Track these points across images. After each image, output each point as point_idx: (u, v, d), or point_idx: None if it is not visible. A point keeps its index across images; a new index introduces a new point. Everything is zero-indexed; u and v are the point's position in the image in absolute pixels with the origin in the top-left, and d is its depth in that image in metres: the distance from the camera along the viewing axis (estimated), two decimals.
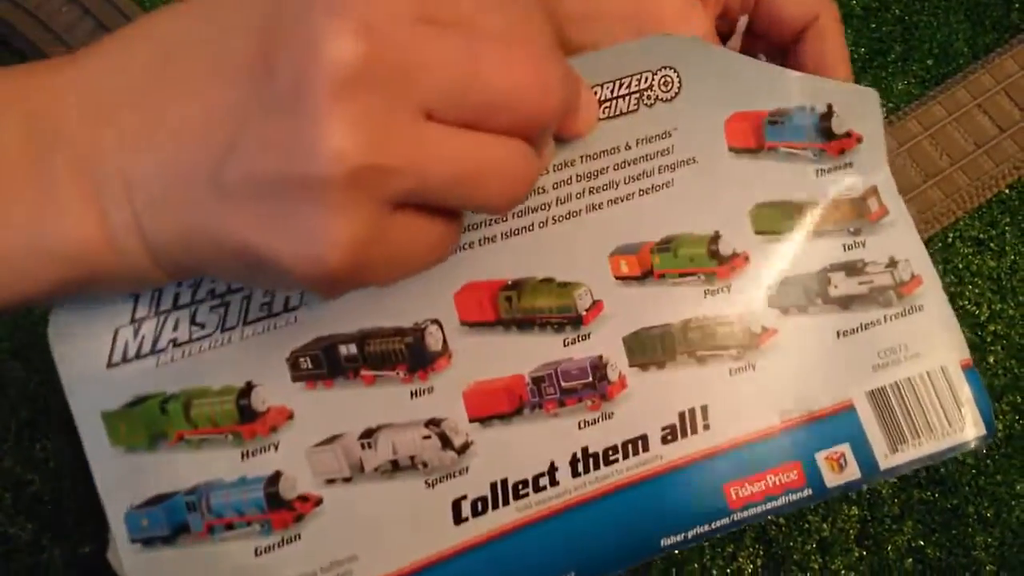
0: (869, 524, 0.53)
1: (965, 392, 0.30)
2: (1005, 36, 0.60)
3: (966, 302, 0.56)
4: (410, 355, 0.28)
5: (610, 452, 0.29)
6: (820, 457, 0.29)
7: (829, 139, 0.30)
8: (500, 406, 0.28)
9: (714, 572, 0.53)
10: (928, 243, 0.57)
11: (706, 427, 0.29)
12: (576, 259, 0.29)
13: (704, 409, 0.29)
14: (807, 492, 0.29)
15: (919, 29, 0.61)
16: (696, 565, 0.53)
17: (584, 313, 0.29)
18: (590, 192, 0.29)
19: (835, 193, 0.30)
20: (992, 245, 0.57)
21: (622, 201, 0.29)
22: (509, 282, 0.29)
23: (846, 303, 0.30)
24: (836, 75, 0.31)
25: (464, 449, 0.28)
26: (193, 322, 0.27)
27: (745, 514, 0.29)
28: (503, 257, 0.29)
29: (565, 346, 0.29)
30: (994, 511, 0.52)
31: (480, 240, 0.29)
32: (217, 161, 0.20)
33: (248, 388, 0.27)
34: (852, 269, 0.30)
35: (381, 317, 0.28)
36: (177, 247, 0.21)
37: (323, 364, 0.28)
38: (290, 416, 0.27)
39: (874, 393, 0.29)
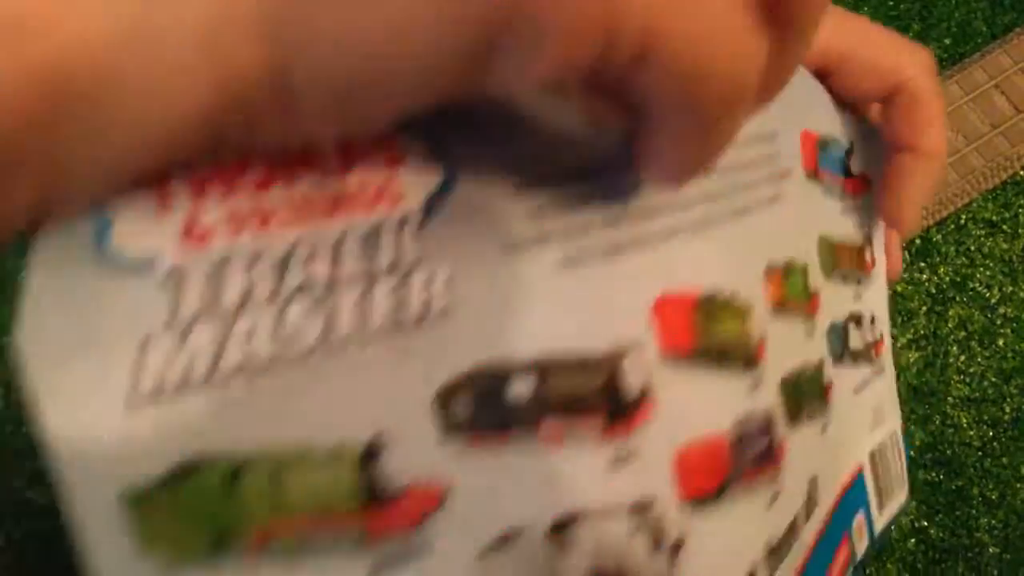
0: None
1: (903, 456, 0.28)
2: None
3: (977, 284, 0.56)
4: (606, 398, 0.18)
5: (791, 538, 0.22)
6: (854, 527, 0.26)
7: (848, 176, 0.26)
8: (706, 480, 0.19)
9: None
10: (941, 224, 0.56)
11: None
12: (741, 269, 0.22)
13: (814, 480, 0.24)
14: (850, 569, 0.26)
15: (937, 7, 0.60)
16: None
17: (757, 346, 0.21)
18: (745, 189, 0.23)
19: (851, 238, 0.26)
20: (1005, 227, 0.56)
21: (762, 208, 0.23)
22: (702, 293, 0.20)
23: (856, 357, 0.27)
24: (928, 142, 0.27)
25: (677, 550, 0.18)
26: (280, 323, 0.15)
27: None
28: (685, 257, 0.20)
29: (748, 393, 0.21)
30: (999, 493, 0.52)
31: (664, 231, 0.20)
32: None
33: (376, 447, 0.16)
34: (858, 321, 0.27)
35: (560, 331, 0.18)
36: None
37: (495, 407, 0.17)
38: (441, 499, 0.16)
39: (873, 454, 0.27)
